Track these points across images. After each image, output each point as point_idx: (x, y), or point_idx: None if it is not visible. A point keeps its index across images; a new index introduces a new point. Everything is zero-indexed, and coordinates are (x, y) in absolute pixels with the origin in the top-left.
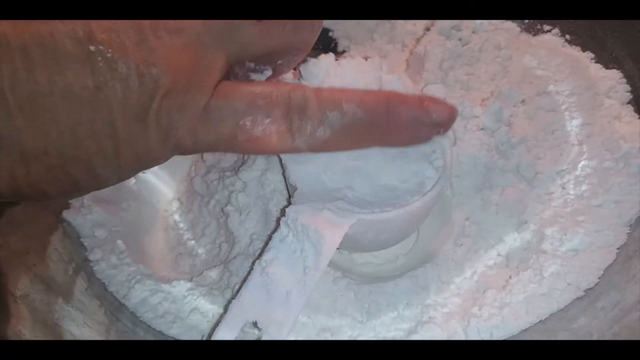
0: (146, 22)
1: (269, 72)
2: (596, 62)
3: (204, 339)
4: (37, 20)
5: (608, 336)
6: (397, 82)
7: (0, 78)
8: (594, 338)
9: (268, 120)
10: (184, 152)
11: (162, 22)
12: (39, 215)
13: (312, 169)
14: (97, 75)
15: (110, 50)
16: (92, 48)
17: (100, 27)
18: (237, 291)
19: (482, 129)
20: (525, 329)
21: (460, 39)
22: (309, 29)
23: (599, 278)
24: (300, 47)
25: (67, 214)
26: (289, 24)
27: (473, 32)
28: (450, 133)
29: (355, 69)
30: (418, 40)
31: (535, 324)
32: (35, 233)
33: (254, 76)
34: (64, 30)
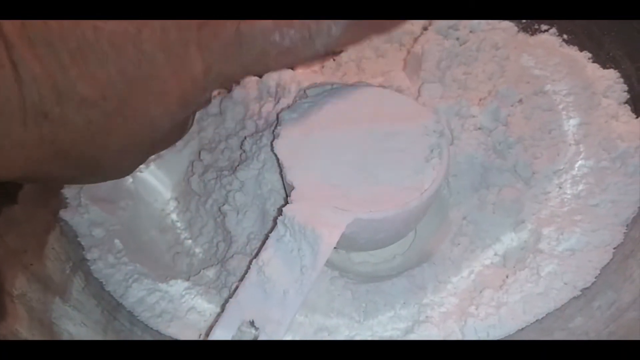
0: None
1: None
2: (593, 62)
3: (201, 338)
4: None
5: (604, 335)
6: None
7: (48, 30)
8: (591, 337)
9: (292, 30)
10: (224, 81)
11: None
12: (36, 214)
13: (309, 168)
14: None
15: None
16: None
17: None
18: (235, 290)
19: (479, 128)
20: (522, 328)
21: (457, 39)
22: None
23: (595, 277)
24: None
25: (64, 213)
26: None
27: (470, 32)
28: (447, 132)
29: None
30: (416, 40)
31: (532, 324)
32: (32, 232)
33: None
34: None
